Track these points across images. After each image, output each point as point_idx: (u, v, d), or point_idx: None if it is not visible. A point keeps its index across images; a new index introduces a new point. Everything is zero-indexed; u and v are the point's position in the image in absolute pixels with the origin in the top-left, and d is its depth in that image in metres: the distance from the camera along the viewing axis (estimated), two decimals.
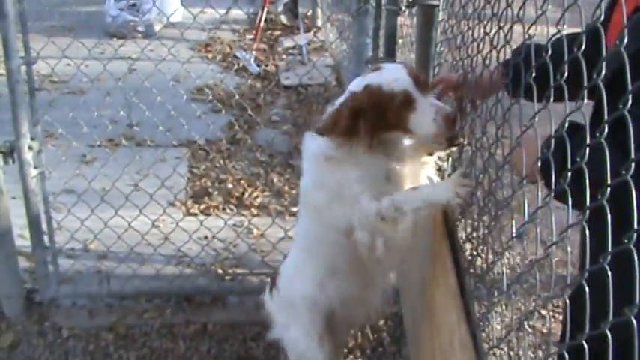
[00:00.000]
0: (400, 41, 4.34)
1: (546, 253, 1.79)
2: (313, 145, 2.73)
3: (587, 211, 1.54)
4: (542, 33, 1.94)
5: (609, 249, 1.44)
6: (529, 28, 2.04)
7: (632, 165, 1.37)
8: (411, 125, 2.55)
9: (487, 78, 2.51)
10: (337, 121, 2.60)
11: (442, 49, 3.57)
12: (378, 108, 2.55)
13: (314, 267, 3.03)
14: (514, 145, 2.14)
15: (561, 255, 1.93)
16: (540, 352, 3.96)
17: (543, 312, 4.28)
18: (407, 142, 2.68)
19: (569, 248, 1.80)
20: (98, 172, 4.54)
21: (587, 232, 1.58)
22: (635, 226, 1.37)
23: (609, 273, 1.44)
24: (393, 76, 2.59)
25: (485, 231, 2.60)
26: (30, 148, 3.99)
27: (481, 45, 2.63)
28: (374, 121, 2.56)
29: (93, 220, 4.37)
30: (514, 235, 2.19)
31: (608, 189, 1.46)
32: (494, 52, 2.41)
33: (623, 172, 1.39)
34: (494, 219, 2.47)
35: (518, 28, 2.19)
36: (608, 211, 1.46)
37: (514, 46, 2.35)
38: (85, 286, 4.40)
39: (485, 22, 2.57)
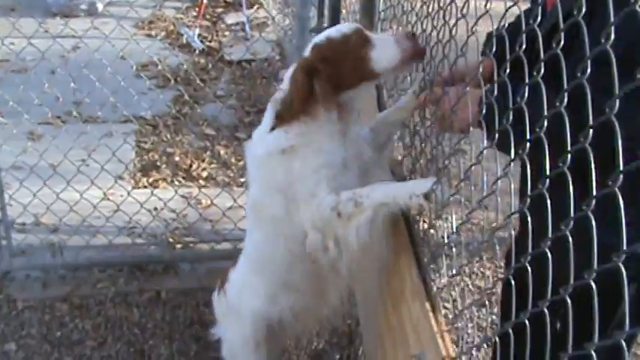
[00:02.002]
0: (344, 11, 4.45)
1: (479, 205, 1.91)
2: (262, 145, 2.55)
3: (528, 145, 1.66)
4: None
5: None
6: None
7: (565, 99, 1.50)
8: (374, 63, 2.38)
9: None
10: (293, 91, 2.43)
11: (386, 16, 3.68)
12: (333, 59, 2.39)
13: (266, 282, 2.89)
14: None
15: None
16: (484, 310, 4.14)
17: (487, 273, 4.47)
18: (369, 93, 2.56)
19: (498, 199, 1.90)
20: (48, 146, 4.57)
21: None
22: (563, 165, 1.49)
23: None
24: (340, 26, 2.52)
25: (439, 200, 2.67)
26: None
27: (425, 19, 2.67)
28: (331, 77, 2.38)
29: (44, 194, 4.42)
30: None
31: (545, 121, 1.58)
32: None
33: (557, 104, 1.52)
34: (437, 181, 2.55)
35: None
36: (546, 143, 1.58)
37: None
38: (38, 258, 4.46)
39: None
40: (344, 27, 2.49)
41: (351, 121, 2.55)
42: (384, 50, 2.37)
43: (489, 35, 2.25)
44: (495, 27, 2.07)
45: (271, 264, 2.80)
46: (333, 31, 2.48)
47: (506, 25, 2.00)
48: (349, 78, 2.42)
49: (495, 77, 1.91)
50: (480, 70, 2.03)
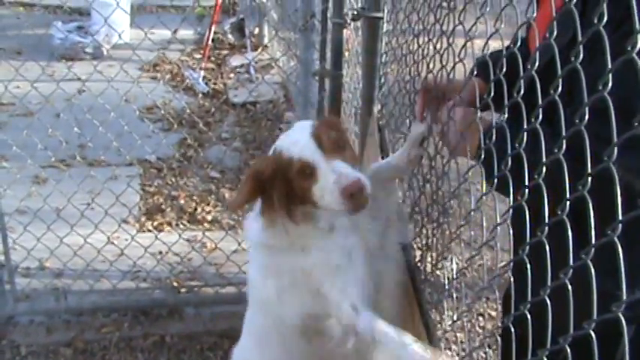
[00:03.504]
0: (347, 54, 4.48)
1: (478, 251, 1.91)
2: (252, 230, 2.48)
3: (527, 190, 1.67)
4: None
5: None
6: (485, 45, 2.02)
7: (564, 143, 1.51)
8: (314, 196, 2.25)
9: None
10: (239, 192, 2.40)
11: (387, 59, 3.71)
12: (282, 176, 2.28)
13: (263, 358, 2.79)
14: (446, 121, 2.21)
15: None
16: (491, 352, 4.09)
17: (493, 314, 4.44)
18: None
19: (498, 244, 1.90)
20: (52, 190, 4.57)
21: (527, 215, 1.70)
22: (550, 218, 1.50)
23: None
24: (295, 138, 2.31)
25: (431, 237, 2.67)
26: None
27: (426, 56, 2.69)
28: (283, 191, 2.29)
29: (48, 238, 4.41)
30: None
31: (544, 168, 1.59)
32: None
33: (556, 151, 1.52)
34: (439, 225, 2.56)
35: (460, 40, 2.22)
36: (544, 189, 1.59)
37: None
38: (42, 303, 4.44)
39: (429, 31, 2.66)
40: (297, 141, 2.30)
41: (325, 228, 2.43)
42: (324, 191, 2.22)
43: (478, 59, 2.26)
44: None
45: (266, 341, 2.71)
46: (288, 142, 2.33)
47: (489, 53, 2.03)
48: (297, 196, 2.30)
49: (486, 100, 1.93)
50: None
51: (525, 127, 1.69)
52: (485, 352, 4.03)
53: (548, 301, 1.52)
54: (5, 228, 4.26)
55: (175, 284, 4.64)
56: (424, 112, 2.54)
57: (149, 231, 5.12)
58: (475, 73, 2.21)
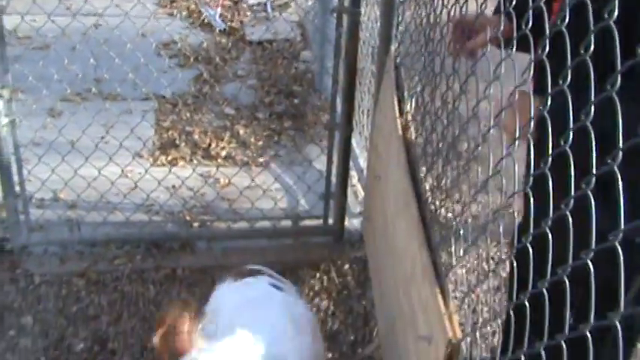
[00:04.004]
0: None
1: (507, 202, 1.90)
2: None
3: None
4: None
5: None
6: None
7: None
8: None
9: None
10: None
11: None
12: None
13: None
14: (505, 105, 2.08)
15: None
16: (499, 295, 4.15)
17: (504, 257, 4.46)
18: None
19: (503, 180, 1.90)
20: (67, 122, 4.60)
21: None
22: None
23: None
24: None
25: (449, 181, 2.68)
26: (1, 96, 4.05)
27: None
28: None
29: (62, 169, 4.44)
30: None
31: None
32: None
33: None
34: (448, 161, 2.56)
35: None
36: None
37: None
38: (56, 233, 4.49)
39: None
40: None
41: None
42: None
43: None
44: None
45: None
46: None
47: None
48: None
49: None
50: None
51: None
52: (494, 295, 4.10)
53: (550, 234, 1.52)
54: (20, 159, 4.29)
55: (188, 218, 4.67)
56: (455, 46, 2.54)
57: (163, 165, 5.12)
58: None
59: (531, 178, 1.66)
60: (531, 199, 1.67)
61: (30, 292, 4.19)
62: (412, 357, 2.60)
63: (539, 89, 1.71)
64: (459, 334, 2.09)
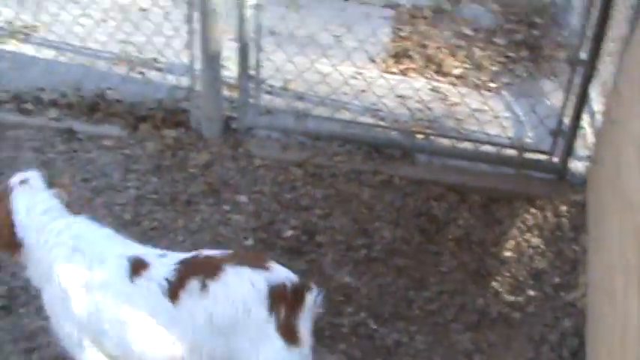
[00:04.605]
0: None
1: None
2: None
3: None
4: None
5: None
6: None
7: None
8: None
9: None
10: None
11: None
12: None
13: None
14: None
15: None
16: None
17: None
18: None
19: None
20: (306, 15, 4.58)
21: None
22: None
23: None
24: None
25: None
26: None
27: None
28: None
29: (297, 61, 4.44)
30: None
31: None
32: None
33: None
34: None
35: None
36: None
37: None
38: (281, 120, 4.53)
39: None
40: None
41: None
42: None
43: None
44: None
45: None
46: None
47: None
48: None
49: None
50: None
51: None
52: None
53: None
54: (260, 43, 4.31)
55: (413, 129, 4.57)
56: None
57: (394, 73, 5.04)
58: None
59: None
60: None
61: (248, 173, 4.25)
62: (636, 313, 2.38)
63: None
64: None
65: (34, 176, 2.70)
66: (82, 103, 4.55)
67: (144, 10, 5.14)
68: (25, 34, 5.58)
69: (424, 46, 5.45)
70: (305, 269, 3.63)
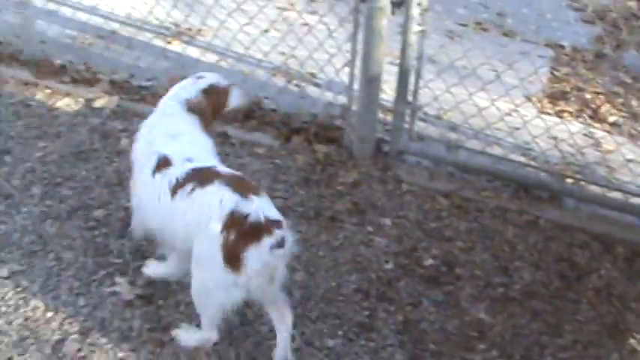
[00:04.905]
0: None
1: None
2: None
3: None
4: None
5: None
6: None
7: None
8: None
9: None
10: None
11: None
12: None
13: None
14: None
15: None
16: None
17: None
18: None
19: None
20: (465, 47, 4.60)
21: None
22: None
23: None
24: None
25: None
26: (418, 4, 4.12)
27: None
28: None
29: (453, 92, 4.47)
30: None
31: None
32: None
33: None
34: None
35: None
36: None
37: None
38: (433, 149, 4.56)
39: None
40: None
41: None
42: None
43: None
44: None
45: None
46: None
47: None
48: None
49: None
50: None
51: None
52: None
53: None
54: (420, 70, 4.36)
55: (563, 172, 4.52)
56: None
57: (549, 114, 5.00)
58: None
59: None
60: None
61: (395, 197, 4.30)
62: None
63: None
64: None
65: None
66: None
67: (309, 25, 5.25)
68: (190, 36, 5.82)
69: (581, 90, 5.38)
70: (441, 300, 3.64)
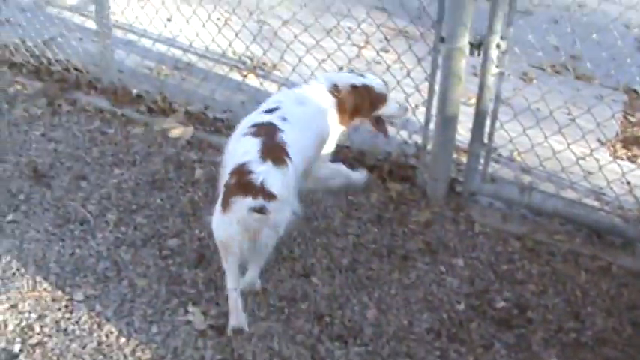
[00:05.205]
0: None
1: None
2: None
3: None
4: None
5: None
6: None
7: None
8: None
9: None
10: None
11: None
12: None
13: None
14: None
15: None
16: None
17: None
18: None
19: None
20: (538, 90, 4.62)
21: None
22: None
23: None
24: None
25: None
26: (498, 46, 4.17)
27: None
28: None
29: (530, 134, 4.50)
30: None
31: None
32: None
33: None
34: None
35: None
36: None
37: None
38: (506, 191, 4.59)
39: None
40: None
41: None
42: None
43: None
44: None
45: None
46: None
47: None
48: None
49: None
50: None
51: None
52: None
53: None
54: (496, 111, 4.38)
55: (637, 218, 4.50)
56: None
57: (621, 159, 5.01)
58: None
59: None
60: None
61: (467, 238, 4.34)
62: None
63: None
64: None
65: None
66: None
67: (386, 64, 5.32)
68: (266, 70, 5.94)
69: None
70: (513, 343, 3.67)
